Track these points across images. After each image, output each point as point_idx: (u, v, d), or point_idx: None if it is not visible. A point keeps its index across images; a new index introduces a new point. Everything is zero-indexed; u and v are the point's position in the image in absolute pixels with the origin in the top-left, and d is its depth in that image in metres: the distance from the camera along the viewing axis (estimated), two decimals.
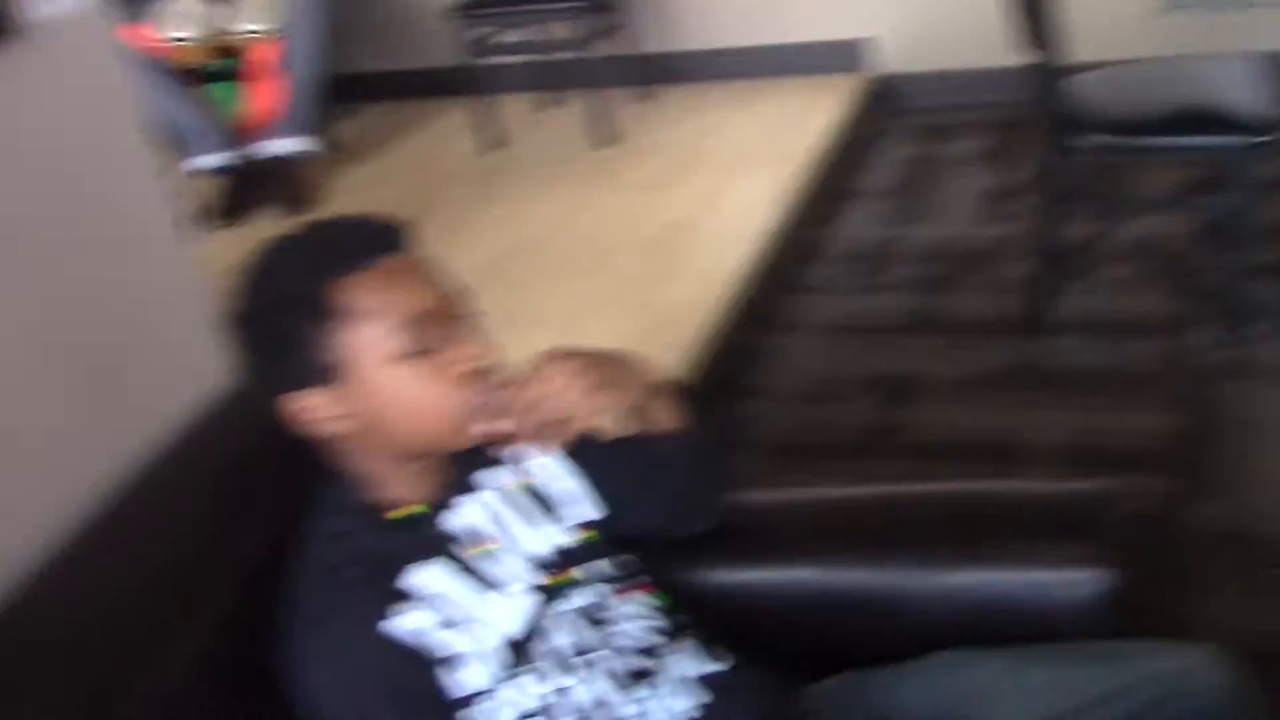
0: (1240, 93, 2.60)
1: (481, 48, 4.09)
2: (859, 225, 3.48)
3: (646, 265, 3.28)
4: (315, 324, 1.15)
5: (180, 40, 3.76)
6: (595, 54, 3.96)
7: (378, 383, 1.16)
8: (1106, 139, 2.60)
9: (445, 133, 4.38)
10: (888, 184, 3.68)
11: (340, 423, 1.19)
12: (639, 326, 2.98)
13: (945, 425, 2.63)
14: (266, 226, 3.88)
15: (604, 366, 1.22)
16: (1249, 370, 2.60)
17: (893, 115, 4.10)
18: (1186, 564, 2.13)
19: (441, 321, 1.17)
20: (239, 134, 3.97)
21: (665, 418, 1.32)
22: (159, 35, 3.75)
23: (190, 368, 1.44)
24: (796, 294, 3.20)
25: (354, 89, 4.71)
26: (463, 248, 3.53)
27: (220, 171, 3.95)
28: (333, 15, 3.87)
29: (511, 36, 4.20)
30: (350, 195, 4.03)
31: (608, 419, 1.26)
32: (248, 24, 3.78)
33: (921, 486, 1.47)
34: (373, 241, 1.19)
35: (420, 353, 1.16)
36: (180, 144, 3.94)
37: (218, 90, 3.99)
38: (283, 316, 1.16)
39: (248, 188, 3.97)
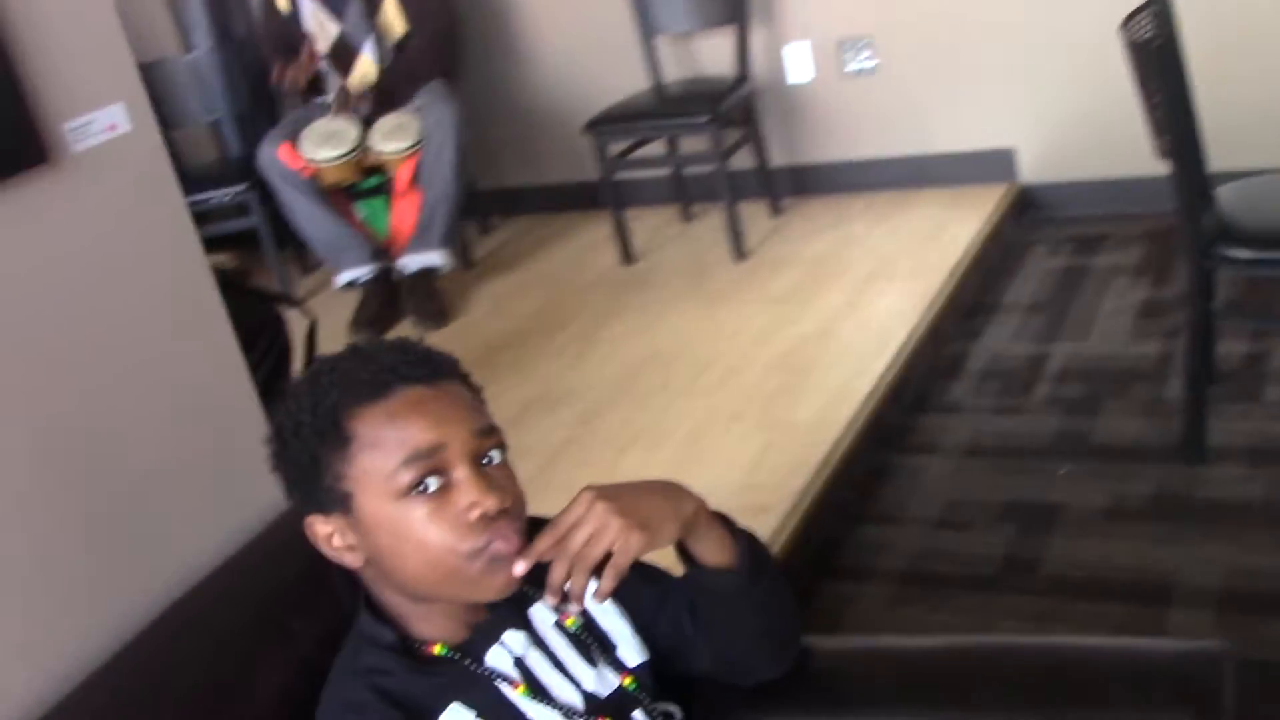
0: None
1: (618, 162, 4.12)
2: (1001, 341, 3.32)
3: (775, 381, 3.19)
4: (331, 450, 1.11)
5: (329, 159, 3.89)
6: (730, 167, 3.93)
7: (380, 517, 1.11)
8: (1257, 253, 2.41)
9: (585, 245, 4.40)
10: (1032, 298, 3.51)
11: (352, 554, 1.14)
12: (764, 444, 2.89)
13: (1085, 560, 2.43)
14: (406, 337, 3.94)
15: (644, 500, 1.15)
16: None
17: (1038, 226, 3.94)
18: None
19: (456, 460, 1.11)
20: (386, 249, 4.07)
21: (717, 549, 1.22)
22: (309, 156, 3.89)
23: (249, 488, 1.41)
24: (931, 413, 3.06)
25: (498, 203, 4.81)
26: (595, 360, 3.52)
27: (366, 285, 4.05)
28: (465, 134, 3.96)
29: (647, 151, 4.22)
30: (488, 307, 4.08)
31: (650, 554, 1.17)
32: (388, 143, 3.89)
33: (1017, 640, 1.33)
34: (397, 371, 1.14)
35: (427, 490, 1.10)
36: (332, 258, 4.07)
37: (368, 206, 4.11)
38: (303, 439, 1.13)
39: (390, 301, 4.05)
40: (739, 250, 3.97)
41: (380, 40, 4.05)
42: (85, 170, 1.28)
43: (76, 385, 1.28)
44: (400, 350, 1.18)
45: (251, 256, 4.54)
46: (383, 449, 1.10)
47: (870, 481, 2.82)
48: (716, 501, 1.24)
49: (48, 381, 1.26)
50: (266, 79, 4.26)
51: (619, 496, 1.14)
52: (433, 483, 1.10)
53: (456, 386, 1.18)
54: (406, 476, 1.09)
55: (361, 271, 4.03)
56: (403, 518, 1.10)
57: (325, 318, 3.75)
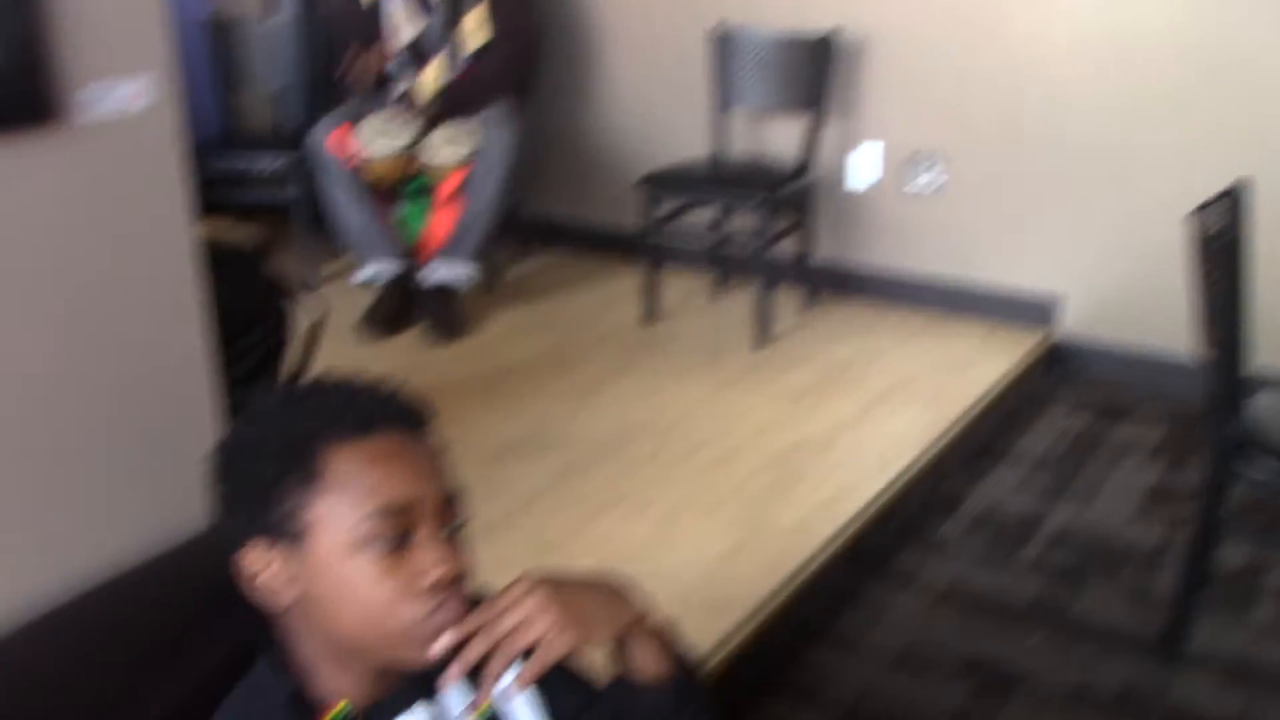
0: None
1: (663, 222, 4.06)
2: (1003, 491, 3.24)
3: (766, 479, 3.11)
4: (295, 480, 1.05)
5: (382, 152, 3.85)
6: (772, 252, 3.88)
7: (330, 564, 1.04)
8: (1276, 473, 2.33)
9: (614, 294, 4.35)
10: (1044, 454, 3.42)
11: (285, 593, 1.07)
12: (738, 541, 2.81)
13: None
14: (414, 345, 3.90)
15: (584, 597, 1.09)
16: None
17: (1065, 382, 3.87)
18: None
19: (421, 520, 1.05)
20: (414, 253, 4.03)
21: (649, 663, 1.15)
22: (361, 147, 3.85)
23: (181, 496, 1.34)
24: (914, 547, 2.97)
25: (540, 231, 4.77)
26: (593, 413, 3.45)
27: (385, 284, 4.00)
28: (519, 155, 3.92)
29: (694, 217, 4.17)
30: (503, 333, 4.02)
31: (582, 654, 1.11)
32: (442, 151, 3.85)
33: None
34: (379, 412, 1.09)
35: (383, 547, 1.04)
36: (358, 250, 4.02)
37: (409, 207, 4.07)
38: (265, 462, 1.07)
39: (405, 306, 4.00)
40: (763, 337, 3.90)
41: (457, 47, 4.02)
42: (88, 139, 1.22)
43: (36, 349, 1.22)
44: (385, 390, 1.13)
45: (282, 229, 4.50)
46: (352, 493, 1.04)
47: (836, 604, 2.73)
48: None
49: (5, 338, 1.19)
50: (335, 61, 4.24)
51: (559, 589, 1.09)
52: (391, 539, 1.04)
53: (434, 441, 1.13)
54: (369, 527, 1.04)
55: (384, 269, 3.99)
56: (353, 568, 1.04)
57: (338, 308, 3.73)
